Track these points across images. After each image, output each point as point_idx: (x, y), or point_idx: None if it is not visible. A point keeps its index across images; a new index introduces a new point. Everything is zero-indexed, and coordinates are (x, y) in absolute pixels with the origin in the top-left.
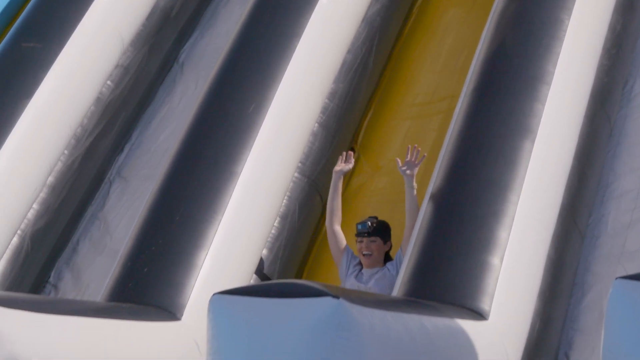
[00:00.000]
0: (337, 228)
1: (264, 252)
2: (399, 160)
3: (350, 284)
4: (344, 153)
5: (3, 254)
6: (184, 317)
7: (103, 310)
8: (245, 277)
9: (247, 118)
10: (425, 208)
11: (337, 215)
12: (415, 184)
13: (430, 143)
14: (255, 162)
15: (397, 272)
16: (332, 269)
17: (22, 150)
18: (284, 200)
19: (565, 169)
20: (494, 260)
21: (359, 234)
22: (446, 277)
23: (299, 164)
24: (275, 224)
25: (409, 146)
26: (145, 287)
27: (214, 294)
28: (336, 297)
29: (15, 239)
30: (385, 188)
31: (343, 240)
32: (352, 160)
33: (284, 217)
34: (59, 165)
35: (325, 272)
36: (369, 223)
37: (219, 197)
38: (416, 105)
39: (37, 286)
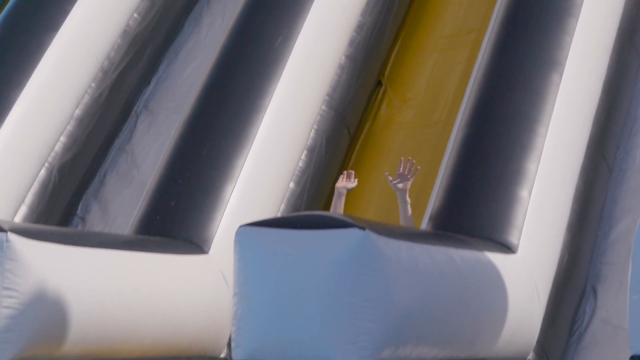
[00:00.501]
0: None
1: (291, 185)
2: (389, 176)
3: None
4: (345, 172)
5: (30, 187)
6: (211, 250)
7: (130, 243)
8: (272, 210)
9: (274, 51)
10: (454, 140)
11: None
12: (408, 199)
13: (457, 76)
14: (283, 94)
15: None
16: (358, 202)
17: (49, 83)
18: (311, 134)
19: (593, 101)
20: (523, 193)
21: None
22: (474, 211)
23: (327, 97)
24: (302, 157)
25: (402, 158)
26: (173, 220)
27: (240, 226)
28: (363, 228)
29: (42, 172)
30: (412, 121)
31: None
32: (355, 180)
33: (311, 150)
34: (86, 98)
35: (352, 205)
36: None
37: (246, 130)
38: (443, 38)
39: (65, 219)
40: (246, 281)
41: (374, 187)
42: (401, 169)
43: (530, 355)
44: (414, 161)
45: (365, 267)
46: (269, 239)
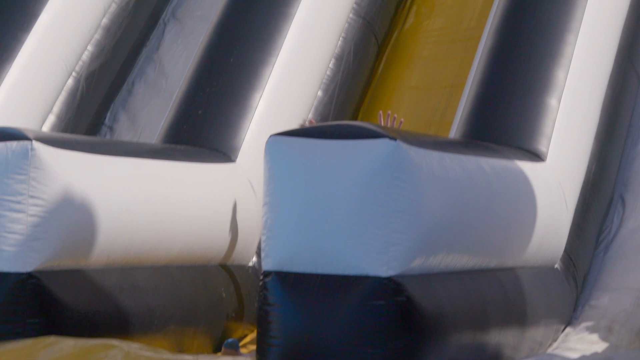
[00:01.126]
0: None
1: (319, 93)
2: (381, 118)
3: None
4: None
5: (58, 96)
6: (238, 159)
7: (158, 152)
8: (300, 118)
9: None
10: (483, 48)
11: None
12: None
13: None
14: (311, 2)
15: None
16: (386, 111)
17: None
18: (339, 42)
19: (623, 9)
20: (552, 101)
21: None
22: (503, 119)
23: (354, 5)
24: (330, 66)
25: (380, 112)
26: (200, 129)
27: (270, 136)
28: (393, 138)
29: (70, 81)
30: (441, 28)
31: None
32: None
33: (339, 59)
34: (113, 6)
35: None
36: None
37: (273, 39)
38: None
39: (93, 128)
40: (276, 191)
41: (402, 96)
42: (382, 122)
43: (558, 264)
44: (395, 115)
45: (396, 178)
46: (300, 148)
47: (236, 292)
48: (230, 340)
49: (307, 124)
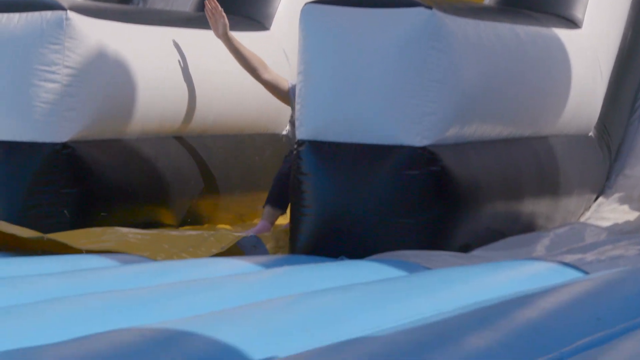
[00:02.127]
0: (267, 76)
1: None
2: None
3: None
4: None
5: None
6: (272, 27)
7: (192, 20)
8: None
9: None
10: None
11: (257, 66)
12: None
13: None
14: None
15: None
16: None
17: None
18: None
19: None
20: None
21: None
22: None
23: None
24: None
25: None
26: None
27: (305, 4)
28: (429, 7)
29: None
30: None
31: (282, 80)
32: (223, 14)
33: None
34: None
35: None
36: None
37: None
38: None
39: None
40: (311, 60)
41: None
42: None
43: (592, 132)
44: None
45: (431, 47)
46: (335, 16)
47: (269, 160)
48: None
49: None
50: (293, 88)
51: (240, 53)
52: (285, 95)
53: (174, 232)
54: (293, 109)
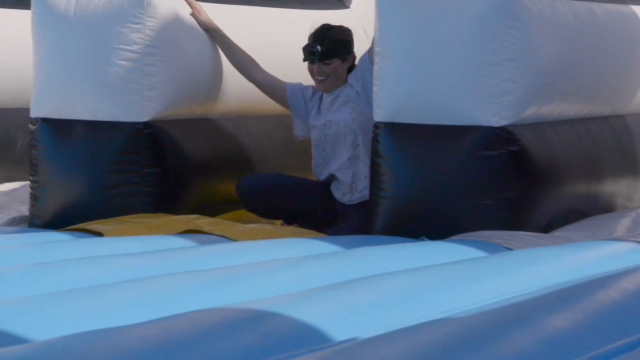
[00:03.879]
0: (260, 75)
1: None
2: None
3: (313, 125)
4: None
5: None
6: (352, 4)
7: None
8: None
9: None
10: None
11: (248, 65)
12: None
13: None
14: None
15: (364, 82)
16: None
17: None
18: None
19: None
20: None
21: (306, 59)
22: None
23: None
24: None
25: None
26: None
27: None
28: None
29: None
30: None
31: (277, 81)
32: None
33: None
34: None
35: None
36: (318, 47)
37: None
38: None
39: None
40: (387, 40)
41: None
42: None
43: None
44: None
45: (508, 25)
46: None
47: None
48: None
49: None
50: (292, 90)
51: (230, 48)
52: (282, 97)
53: (268, 227)
54: (292, 111)
